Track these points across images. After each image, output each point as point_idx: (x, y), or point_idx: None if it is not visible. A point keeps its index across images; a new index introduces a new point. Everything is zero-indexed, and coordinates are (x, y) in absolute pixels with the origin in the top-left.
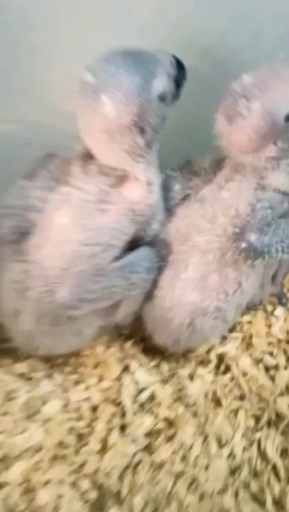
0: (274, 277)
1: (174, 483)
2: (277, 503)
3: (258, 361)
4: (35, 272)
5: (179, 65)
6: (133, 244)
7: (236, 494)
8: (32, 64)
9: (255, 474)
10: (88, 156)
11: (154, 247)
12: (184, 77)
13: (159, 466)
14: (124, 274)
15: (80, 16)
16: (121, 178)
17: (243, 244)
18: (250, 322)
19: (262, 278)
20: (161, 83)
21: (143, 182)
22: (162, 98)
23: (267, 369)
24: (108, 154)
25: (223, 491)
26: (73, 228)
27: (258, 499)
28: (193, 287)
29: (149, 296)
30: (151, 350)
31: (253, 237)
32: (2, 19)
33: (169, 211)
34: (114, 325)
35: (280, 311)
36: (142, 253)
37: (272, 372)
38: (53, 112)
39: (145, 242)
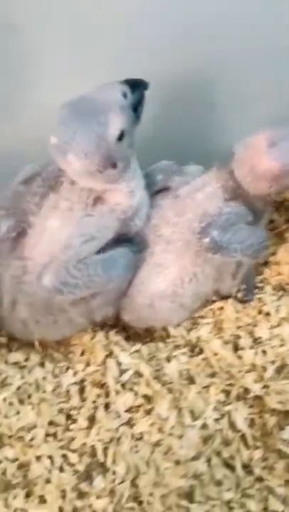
0: (234, 275)
1: (152, 452)
2: (247, 467)
3: (227, 342)
4: (30, 268)
5: (135, 86)
6: (118, 239)
7: (209, 461)
8: (30, 90)
9: (226, 443)
10: None
11: (134, 243)
12: (142, 95)
13: (139, 438)
14: (103, 267)
15: (74, 51)
16: (102, 193)
17: (206, 238)
18: (221, 308)
19: (219, 273)
20: (115, 127)
21: (125, 191)
22: (121, 136)
23: (235, 349)
24: (89, 185)
25: (196, 457)
26: (62, 229)
27: (228, 465)
28: (154, 272)
29: None
30: (133, 337)
31: (215, 233)
32: (6, 55)
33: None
34: (92, 316)
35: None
36: (122, 251)
37: (240, 352)
38: (47, 129)
39: (128, 238)
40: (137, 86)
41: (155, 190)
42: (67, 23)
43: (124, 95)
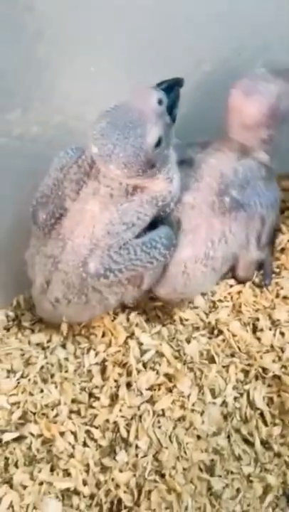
0: (259, 240)
1: (174, 427)
2: (265, 443)
3: (246, 324)
4: (68, 248)
5: (169, 88)
6: (154, 220)
7: (229, 437)
8: (53, 78)
9: (245, 420)
10: None
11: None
12: (177, 95)
13: (161, 414)
14: (145, 249)
15: (91, 41)
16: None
17: (227, 198)
18: (239, 292)
19: (246, 234)
20: (152, 137)
21: (163, 179)
22: (158, 143)
23: (254, 331)
24: (130, 183)
25: (217, 433)
26: (103, 214)
27: (248, 441)
28: (184, 238)
29: None
30: (153, 320)
31: (234, 192)
32: (31, 44)
33: None
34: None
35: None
36: (162, 231)
37: (258, 333)
38: (71, 116)
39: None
40: (171, 87)
41: None
42: (98, 13)
43: (160, 102)
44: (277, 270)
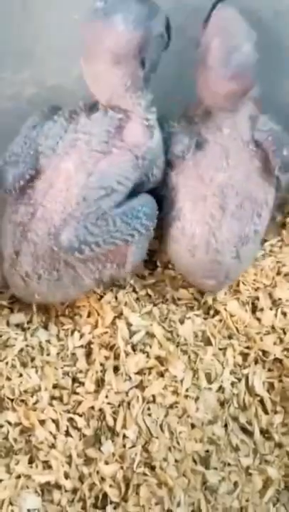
0: None
1: (166, 415)
2: (265, 433)
3: (245, 304)
4: (38, 215)
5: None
6: (136, 191)
7: (226, 425)
8: (49, 39)
9: (244, 408)
10: (92, 108)
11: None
12: (170, 34)
13: (151, 400)
14: (126, 220)
15: None
16: (123, 123)
17: (278, 158)
18: None
19: None
20: (161, 23)
21: (143, 124)
22: (161, 36)
23: (254, 311)
24: (111, 83)
25: (213, 421)
26: (78, 173)
27: (246, 430)
28: (234, 220)
29: (177, 242)
30: (143, 300)
31: (285, 151)
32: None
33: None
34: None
35: (267, 261)
36: (143, 199)
37: (258, 313)
38: (67, 76)
39: (147, 190)
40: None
41: None
42: None
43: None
44: (279, 245)
